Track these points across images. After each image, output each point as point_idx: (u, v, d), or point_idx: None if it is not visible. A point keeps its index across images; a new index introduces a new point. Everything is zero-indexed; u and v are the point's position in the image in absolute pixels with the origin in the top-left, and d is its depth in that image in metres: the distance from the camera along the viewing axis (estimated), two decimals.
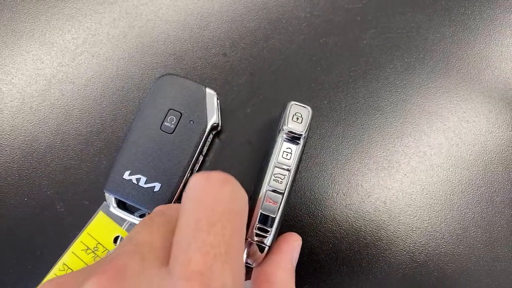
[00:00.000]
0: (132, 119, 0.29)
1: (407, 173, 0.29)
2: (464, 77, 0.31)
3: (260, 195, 0.22)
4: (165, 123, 0.26)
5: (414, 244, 0.28)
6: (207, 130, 0.26)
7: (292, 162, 0.23)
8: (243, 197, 0.18)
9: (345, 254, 0.28)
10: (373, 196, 0.28)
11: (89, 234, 0.27)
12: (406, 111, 0.30)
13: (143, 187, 0.25)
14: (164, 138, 0.26)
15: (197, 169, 0.28)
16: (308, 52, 0.31)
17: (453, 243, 0.28)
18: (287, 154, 0.23)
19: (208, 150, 0.28)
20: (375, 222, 0.28)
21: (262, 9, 0.32)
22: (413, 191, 0.29)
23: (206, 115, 0.27)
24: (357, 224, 0.28)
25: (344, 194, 0.28)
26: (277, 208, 0.22)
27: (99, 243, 0.27)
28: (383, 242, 0.28)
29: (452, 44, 0.31)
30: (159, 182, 0.25)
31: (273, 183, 0.22)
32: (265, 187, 0.22)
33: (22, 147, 0.29)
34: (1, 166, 0.28)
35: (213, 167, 0.29)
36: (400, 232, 0.28)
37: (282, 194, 0.22)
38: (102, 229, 0.27)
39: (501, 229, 0.29)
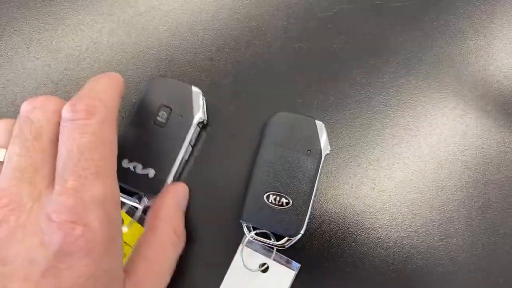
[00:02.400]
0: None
1: (372, 162, 0.33)
2: (422, 76, 0.35)
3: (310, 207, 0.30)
4: (157, 118, 0.30)
5: (377, 223, 0.32)
6: (194, 123, 0.30)
7: None
8: (111, 127, 0.21)
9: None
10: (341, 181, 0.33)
11: None
12: (371, 107, 0.34)
13: (139, 173, 0.29)
14: (157, 130, 0.30)
15: (186, 158, 0.32)
16: (285, 56, 0.35)
17: (411, 221, 0.32)
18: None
19: (196, 141, 0.33)
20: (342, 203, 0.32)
21: (244, 18, 0.36)
22: (376, 177, 0.33)
23: (193, 110, 0.31)
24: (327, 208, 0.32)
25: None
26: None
27: None
28: (347, 221, 0.32)
29: (412, 48, 0.35)
30: (153, 169, 0.29)
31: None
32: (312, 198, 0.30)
33: None
34: None
35: (201, 157, 0.33)
36: (365, 214, 0.32)
37: None
38: None
39: (453, 209, 0.33)
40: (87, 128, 0.20)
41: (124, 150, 0.30)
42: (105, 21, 0.36)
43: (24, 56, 0.35)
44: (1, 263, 0.18)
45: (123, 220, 0.31)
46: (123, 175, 0.29)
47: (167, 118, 0.30)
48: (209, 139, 0.33)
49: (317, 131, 0.30)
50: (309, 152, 0.30)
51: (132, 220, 0.30)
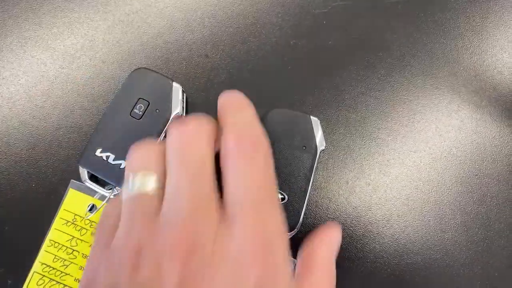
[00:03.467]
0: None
1: (367, 157, 0.33)
2: (416, 72, 0.35)
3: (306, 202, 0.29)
4: (134, 110, 0.30)
5: (372, 218, 0.32)
6: (170, 119, 0.30)
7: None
8: (272, 160, 0.20)
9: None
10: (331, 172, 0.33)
11: (66, 210, 0.31)
12: (366, 103, 0.34)
13: (111, 163, 0.29)
14: (132, 123, 0.30)
15: None
16: (280, 53, 0.35)
17: (406, 216, 0.32)
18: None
19: None
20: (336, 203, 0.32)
21: (239, 15, 0.36)
22: (371, 172, 0.33)
23: (171, 105, 0.31)
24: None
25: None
26: None
27: (76, 215, 0.31)
28: (342, 217, 0.32)
29: (407, 44, 0.36)
30: (125, 160, 0.29)
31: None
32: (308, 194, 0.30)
33: (29, 140, 0.33)
34: (12, 157, 0.32)
35: None
36: (360, 209, 0.32)
37: None
38: (76, 202, 0.31)
39: (448, 204, 0.33)
40: (258, 163, 0.19)
41: (99, 140, 0.30)
42: (101, 19, 0.36)
43: (20, 54, 0.35)
44: None
45: (95, 205, 0.31)
46: (95, 164, 0.29)
47: (144, 111, 0.30)
48: None
49: (313, 127, 0.30)
50: (304, 148, 0.30)
51: (103, 203, 0.31)
